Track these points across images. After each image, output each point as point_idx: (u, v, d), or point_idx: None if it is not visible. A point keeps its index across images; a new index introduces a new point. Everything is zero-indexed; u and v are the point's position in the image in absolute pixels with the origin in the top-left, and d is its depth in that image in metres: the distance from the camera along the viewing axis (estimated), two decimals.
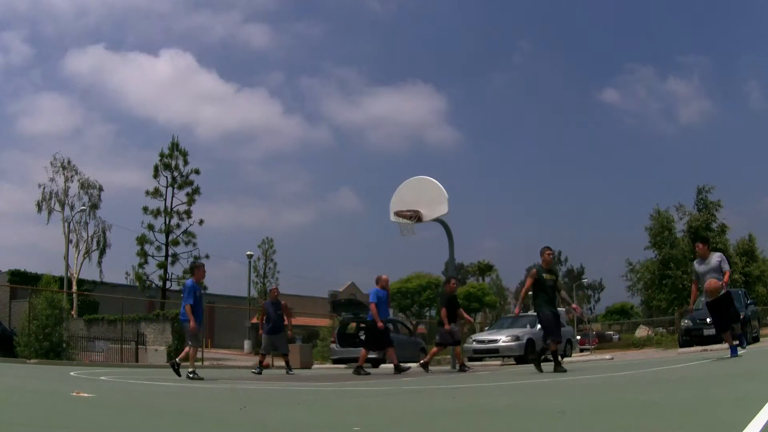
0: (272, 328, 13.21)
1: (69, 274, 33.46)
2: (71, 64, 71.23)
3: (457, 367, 12.04)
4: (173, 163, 32.64)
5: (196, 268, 10.10)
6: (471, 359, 18.53)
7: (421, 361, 12.28)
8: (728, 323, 9.44)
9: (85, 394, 5.10)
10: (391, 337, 12.33)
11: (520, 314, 16.67)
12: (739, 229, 40.35)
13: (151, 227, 31.93)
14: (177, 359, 10.17)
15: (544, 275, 9.13)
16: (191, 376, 9.58)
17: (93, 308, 33.17)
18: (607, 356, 19.72)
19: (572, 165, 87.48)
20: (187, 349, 9.86)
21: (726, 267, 9.23)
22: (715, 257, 9.41)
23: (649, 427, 3.14)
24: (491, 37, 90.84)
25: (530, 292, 9.13)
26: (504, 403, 5.00)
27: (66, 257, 33.74)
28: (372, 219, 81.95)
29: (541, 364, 9.34)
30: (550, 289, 9.08)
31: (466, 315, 12.42)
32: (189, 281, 9.89)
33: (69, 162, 34.75)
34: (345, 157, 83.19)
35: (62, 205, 34.20)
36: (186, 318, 9.58)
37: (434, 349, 12.29)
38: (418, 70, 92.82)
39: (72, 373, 10.59)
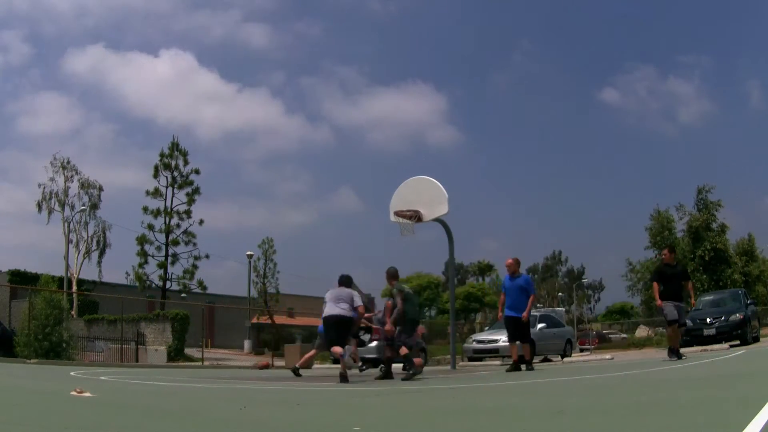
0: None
1: (69, 274, 33.44)
2: (71, 63, 71.21)
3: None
4: (173, 163, 32.65)
5: None
6: (471, 359, 18.54)
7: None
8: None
9: (88, 393, 5.09)
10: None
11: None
12: (739, 229, 40.41)
13: (151, 227, 31.94)
14: None
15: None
16: None
17: (93, 308, 33.16)
18: (607, 356, 19.73)
19: (572, 165, 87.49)
20: None
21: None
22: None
23: (649, 427, 3.14)
24: (491, 36, 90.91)
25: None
26: (504, 403, 5.00)
27: (66, 257, 33.74)
28: (372, 219, 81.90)
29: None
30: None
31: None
32: None
33: (69, 162, 34.75)
34: (345, 157, 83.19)
35: (62, 205, 34.18)
36: None
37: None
38: (419, 69, 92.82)
39: (72, 373, 10.59)
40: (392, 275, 9.92)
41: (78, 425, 3.62)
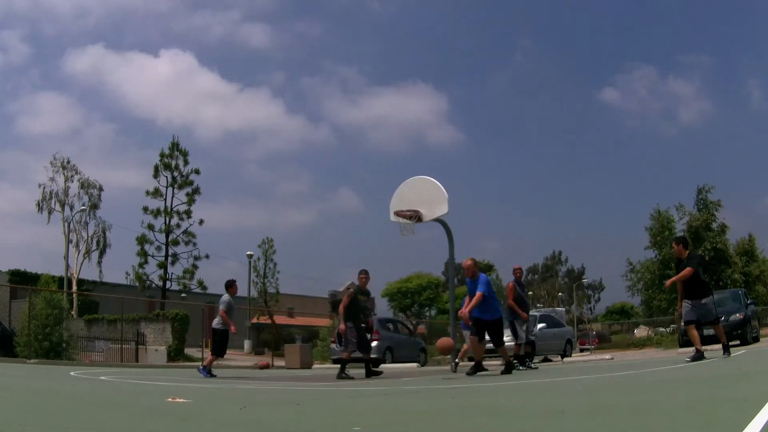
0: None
1: (69, 274, 33.46)
2: (71, 63, 71.35)
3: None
4: (173, 163, 32.68)
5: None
6: (471, 359, 18.54)
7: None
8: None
9: (181, 400, 5.07)
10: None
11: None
12: (739, 229, 40.43)
13: (151, 227, 31.98)
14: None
15: (359, 296, 10.53)
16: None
17: (93, 308, 33.17)
18: (607, 356, 19.73)
19: (573, 165, 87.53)
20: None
21: None
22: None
23: (649, 427, 3.14)
24: (491, 36, 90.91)
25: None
26: (504, 403, 5.00)
27: (66, 257, 33.77)
28: (372, 219, 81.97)
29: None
30: (362, 307, 10.60)
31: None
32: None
33: (69, 162, 34.77)
34: (345, 157, 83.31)
35: (62, 205, 34.22)
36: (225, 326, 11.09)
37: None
38: (419, 69, 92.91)
39: (72, 373, 10.59)
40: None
41: (78, 425, 3.62)
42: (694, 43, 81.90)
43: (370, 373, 10.43)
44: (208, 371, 10.93)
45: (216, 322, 11.24)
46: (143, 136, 74.20)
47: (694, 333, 9.30)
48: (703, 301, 9.33)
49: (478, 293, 9.43)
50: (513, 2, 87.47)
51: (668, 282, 9.87)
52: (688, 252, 9.71)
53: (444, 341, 10.80)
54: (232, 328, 11.08)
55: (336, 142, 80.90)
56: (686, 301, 9.43)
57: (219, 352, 11.27)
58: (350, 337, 10.27)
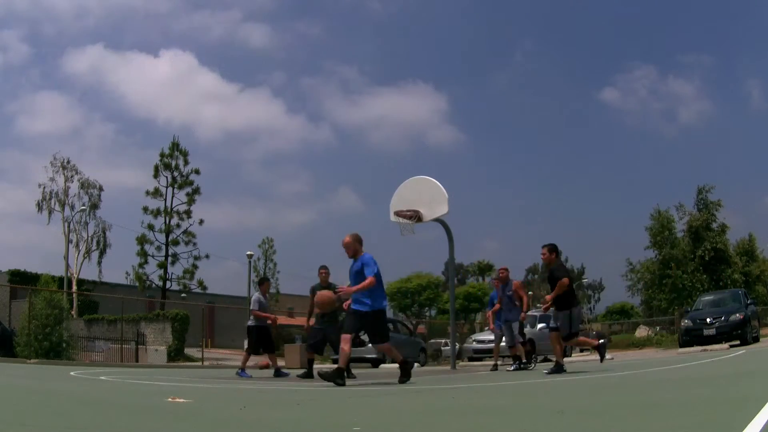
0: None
1: (69, 274, 33.44)
2: (71, 63, 71.09)
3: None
4: (173, 163, 32.64)
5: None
6: (471, 359, 18.55)
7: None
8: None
9: (181, 400, 5.07)
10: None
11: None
12: (739, 229, 40.39)
13: (151, 227, 31.93)
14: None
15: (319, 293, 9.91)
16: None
17: (93, 308, 33.16)
18: (607, 356, 19.71)
19: (573, 164, 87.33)
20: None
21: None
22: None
23: (649, 427, 3.14)
24: (491, 36, 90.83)
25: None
26: (504, 403, 5.00)
27: (66, 257, 33.74)
28: (372, 219, 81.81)
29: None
30: None
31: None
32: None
33: (69, 162, 34.75)
34: (346, 157, 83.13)
35: (62, 205, 34.17)
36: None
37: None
38: (419, 69, 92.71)
39: (72, 373, 10.59)
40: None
41: (78, 425, 3.62)
42: (694, 43, 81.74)
43: (307, 375, 9.78)
44: (279, 370, 11.06)
45: (251, 321, 11.30)
46: (143, 136, 74.10)
47: (558, 343, 8.97)
48: (563, 312, 8.79)
49: (370, 278, 7.42)
50: (513, 2, 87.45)
51: (548, 297, 9.05)
52: (557, 260, 9.18)
53: (323, 295, 8.54)
54: (269, 319, 11.43)
55: (336, 142, 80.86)
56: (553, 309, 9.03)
57: (255, 350, 11.28)
58: (309, 336, 10.28)
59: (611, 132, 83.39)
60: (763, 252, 36.00)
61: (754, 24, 71.57)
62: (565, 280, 8.73)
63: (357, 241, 7.82)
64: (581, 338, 10.07)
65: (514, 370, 11.15)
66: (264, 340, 11.24)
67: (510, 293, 11.70)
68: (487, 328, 16.82)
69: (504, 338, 11.88)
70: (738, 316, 17.32)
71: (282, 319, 40.83)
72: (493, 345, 17.16)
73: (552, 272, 9.02)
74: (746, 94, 77.68)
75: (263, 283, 12.09)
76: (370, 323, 7.61)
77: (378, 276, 7.54)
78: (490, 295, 13.43)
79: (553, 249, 9.04)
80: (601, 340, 10.68)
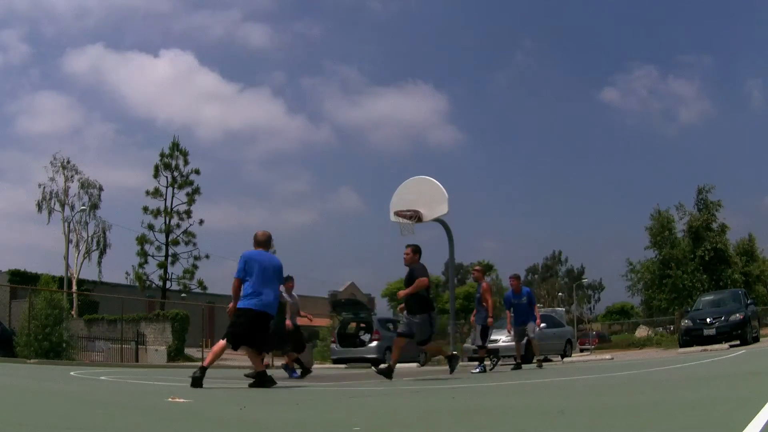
0: None
1: (69, 274, 33.44)
2: (70, 63, 71.13)
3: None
4: (174, 163, 32.68)
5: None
6: (471, 359, 18.54)
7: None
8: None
9: (181, 400, 5.07)
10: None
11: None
12: (739, 229, 40.43)
13: (151, 227, 31.97)
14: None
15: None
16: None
17: (93, 308, 33.16)
18: (607, 356, 19.74)
19: (573, 164, 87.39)
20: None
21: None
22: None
23: (649, 427, 3.14)
24: (492, 36, 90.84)
25: None
26: (504, 403, 5.00)
27: (66, 257, 33.74)
28: (372, 219, 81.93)
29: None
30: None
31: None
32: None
33: (69, 162, 34.75)
34: (346, 157, 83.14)
35: (62, 205, 34.18)
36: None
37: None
38: (419, 69, 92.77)
39: (72, 373, 10.59)
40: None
41: (78, 425, 3.62)
42: (694, 43, 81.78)
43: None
44: (292, 369, 10.80)
45: (288, 319, 10.94)
46: (143, 136, 74.12)
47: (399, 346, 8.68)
48: (417, 318, 8.41)
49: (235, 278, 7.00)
50: (513, 2, 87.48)
51: (400, 294, 8.70)
52: (419, 262, 8.76)
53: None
54: (308, 317, 11.42)
55: (336, 142, 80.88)
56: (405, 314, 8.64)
57: (296, 349, 11.03)
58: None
59: (611, 132, 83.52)
60: (763, 252, 36.06)
61: (754, 24, 71.72)
62: (425, 279, 8.43)
63: (267, 237, 7.32)
64: (435, 346, 9.72)
65: (478, 372, 10.90)
66: (293, 340, 11.06)
67: (478, 295, 11.45)
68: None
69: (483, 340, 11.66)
70: (738, 316, 17.31)
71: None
72: (492, 345, 17.26)
73: (412, 272, 8.60)
74: (746, 94, 77.79)
75: (287, 281, 11.45)
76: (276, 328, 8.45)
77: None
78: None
79: (416, 250, 8.79)
80: (454, 352, 10.37)
